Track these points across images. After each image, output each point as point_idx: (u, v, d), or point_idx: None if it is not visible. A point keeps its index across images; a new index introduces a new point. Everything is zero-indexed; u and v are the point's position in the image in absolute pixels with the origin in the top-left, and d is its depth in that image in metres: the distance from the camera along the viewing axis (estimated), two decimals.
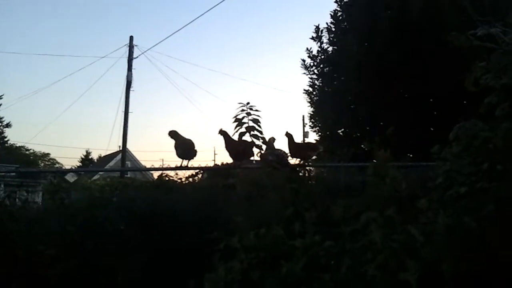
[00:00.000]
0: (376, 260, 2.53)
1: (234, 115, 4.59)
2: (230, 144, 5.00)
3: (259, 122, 4.60)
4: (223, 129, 5.08)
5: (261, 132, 4.62)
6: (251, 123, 4.59)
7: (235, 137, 4.76)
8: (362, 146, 12.03)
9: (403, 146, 8.39)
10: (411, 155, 9.01)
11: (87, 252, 4.34)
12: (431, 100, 10.19)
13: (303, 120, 28.83)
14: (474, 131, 2.97)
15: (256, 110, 4.60)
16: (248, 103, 4.59)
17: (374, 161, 3.79)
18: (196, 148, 5.18)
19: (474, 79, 3.14)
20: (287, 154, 4.97)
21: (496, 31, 3.40)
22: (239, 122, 4.58)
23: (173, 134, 5.01)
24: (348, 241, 2.82)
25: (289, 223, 4.04)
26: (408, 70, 10.03)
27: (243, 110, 4.59)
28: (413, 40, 9.90)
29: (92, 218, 4.47)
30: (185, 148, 5.04)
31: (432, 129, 11.14)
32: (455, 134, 3.05)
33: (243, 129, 4.60)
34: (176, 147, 5.01)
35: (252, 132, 4.60)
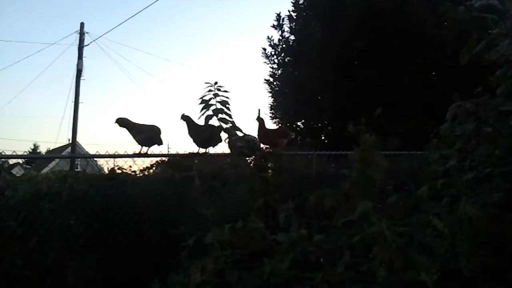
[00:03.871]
0: (379, 257, 2.14)
1: (200, 96, 4.12)
2: (194, 129, 4.51)
3: (228, 104, 4.14)
4: (186, 114, 4.58)
5: (230, 116, 4.16)
6: (219, 106, 4.13)
7: (201, 122, 4.28)
8: (322, 137, 11.80)
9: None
10: None
11: (31, 249, 3.81)
12: (395, 89, 9.99)
13: (259, 113, 28.37)
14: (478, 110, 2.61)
15: (225, 91, 4.14)
16: (216, 83, 4.12)
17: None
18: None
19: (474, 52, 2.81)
20: (257, 139, 4.56)
21: (494, 2, 3.10)
22: (205, 104, 4.10)
23: (124, 122, 4.43)
24: (342, 234, 2.43)
25: (259, 216, 3.65)
26: (372, 58, 9.81)
27: (210, 91, 4.12)
28: (378, 27, 9.68)
29: (37, 212, 3.91)
30: (151, 132, 4.49)
31: (394, 119, 11.02)
32: (453, 114, 2.70)
33: (210, 112, 4.13)
34: (136, 132, 4.45)
35: (220, 116, 4.13)
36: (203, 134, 4.36)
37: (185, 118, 4.55)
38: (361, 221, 2.41)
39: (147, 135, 4.42)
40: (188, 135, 4.59)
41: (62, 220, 3.96)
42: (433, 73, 9.59)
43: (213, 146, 4.48)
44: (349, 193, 3.19)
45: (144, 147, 4.45)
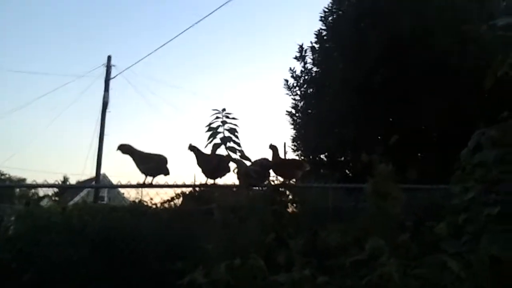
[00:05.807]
0: None
1: (208, 123, 3.91)
2: (202, 159, 4.32)
3: (237, 132, 3.91)
4: (193, 144, 4.41)
5: (239, 144, 3.93)
6: (227, 134, 3.91)
7: (208, 150, 4.07)
8: (347, 171, 11.44)
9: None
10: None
11: (25, 283, 3.60)
12: (419, 120, 9.62)
13: (285, 146, 27.91)
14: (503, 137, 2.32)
15: (233, 118, 3.92)
16: (224, 110, 3.91)
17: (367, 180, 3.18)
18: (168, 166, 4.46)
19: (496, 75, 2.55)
20: (269, 161, 4.38)
21: None
22: (213, 131, 3.89)
23: (126, 148, 4.27)
24: (349, 275, 2.15)
25: (270, 252, 3.38)
26: (395, 89, 9.52)
27: (217, 118, 3.91)
28: (401, 58, 9.42)
29: (34, 244, 3.72)
30: (158, 161, 4.33)
31: (419, 154, 10.62)
32: (475, 141, 2.42)
33: (217, 140, 3.91)
34: (140, 161, 4.27)
35: (228, 144, 3.91)
36: (210, 164, 4.15)
37: (192, 148, 4.40)
38: (371, 260, 2.13)
39: (153, 164, 4.24)
40: (197, 166, 4.42)
41: (59, 252, 3.76)
42: (459, 103, 9.19)
43: (221, 177, 4.27)
44: (363, 229, 2.90)
45: (148, 177, 4.26)
